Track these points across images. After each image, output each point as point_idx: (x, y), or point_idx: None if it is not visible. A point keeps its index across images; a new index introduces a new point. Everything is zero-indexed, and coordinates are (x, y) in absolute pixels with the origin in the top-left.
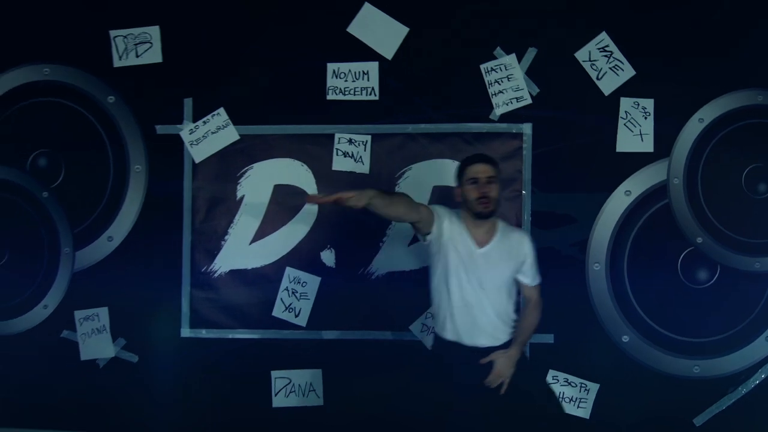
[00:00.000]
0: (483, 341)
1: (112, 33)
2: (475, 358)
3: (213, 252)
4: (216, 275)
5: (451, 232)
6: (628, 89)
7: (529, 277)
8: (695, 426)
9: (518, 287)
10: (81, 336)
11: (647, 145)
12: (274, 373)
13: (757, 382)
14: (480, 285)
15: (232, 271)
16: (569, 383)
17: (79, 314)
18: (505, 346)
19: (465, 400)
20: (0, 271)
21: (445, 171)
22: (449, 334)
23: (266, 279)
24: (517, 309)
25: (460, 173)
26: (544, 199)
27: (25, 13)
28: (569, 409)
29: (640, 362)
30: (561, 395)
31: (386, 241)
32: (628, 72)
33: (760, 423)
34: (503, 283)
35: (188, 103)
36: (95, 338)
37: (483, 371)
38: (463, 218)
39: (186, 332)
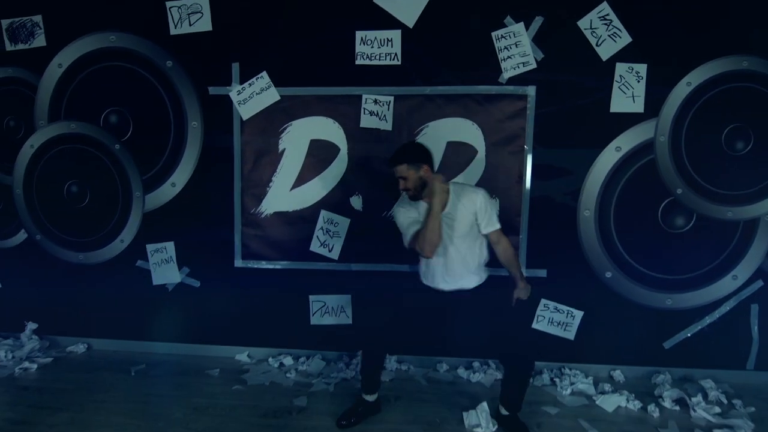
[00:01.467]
0: (451, 286)
1: (168, 4)
2: (444, 299)
3: (259, 196)
4: (262, 216)
5: (419, 215)
6: (624, 55)
7: (484, 224)
8: (664, 349)
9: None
10: (152, 265)
11: (638, 107)
12: (312, 297)
13: (721, 314)
14: (452, 240)
15: (276, 213)
16: (558, 310)
17: (150, 247)
18: (474, 290)
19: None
20: (84, 210)
21: (458, 128)
22: (425, 281)
23: (304, 219)
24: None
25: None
26: (544, 153)
27: None
28: (557, 331)
29: (619, 294)
30: (550, 320)
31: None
32: (625, 39)
33: (719, 348)
34: (465, 234)
35: (236, 67)
36: (164, 267)
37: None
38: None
39: (238, 263)
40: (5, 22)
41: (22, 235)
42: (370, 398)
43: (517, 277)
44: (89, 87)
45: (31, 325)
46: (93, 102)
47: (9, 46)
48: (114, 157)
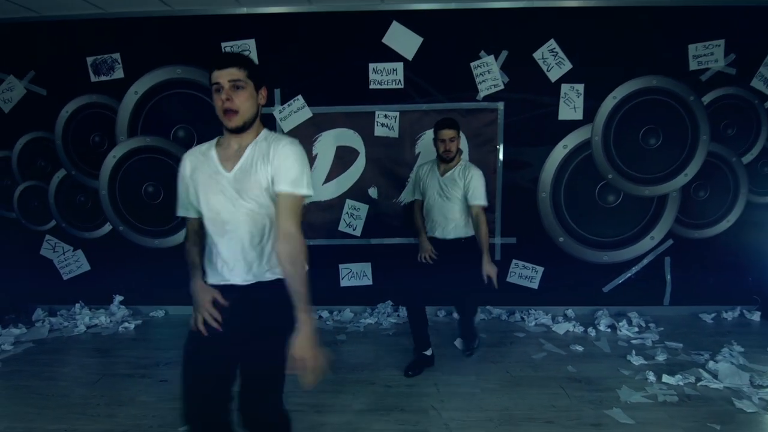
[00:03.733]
0: (450, 235)
1: (223, 44)
2: (445, 246)
3: None
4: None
5: (421, 181)
6: (567, 77)
7: (470, 197)
8: (603, 292)
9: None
10: None
11: (579, 115)
12: (341, 266)
13: (643, 265)
14: (447, 197)
15: (311, 202)
16: (525, 267)
17: None
18: (466, 239)
19: (444, 276)
20: (158, 206)
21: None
22: (429, 233)
23: (334, 206)
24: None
25: (435, 133)
26: (512, 151)
27: (165, 31)
28: (525, 283)
29: (570, 254)
30: (520, 275)
31: (408, 182)
32: (567, 66)
33: (643, 290)
34: (459, 198)
35: (277, 92)
36: None
37: (451, 258)
38: (436, 162)
39: None
40: (90, 59)
41: (107, 228)
42: (427, 352)
43: (484, 253)
44: (161, 109)
45: (118, 297)
46: (164, 121)
47: (93, 78)
48: None
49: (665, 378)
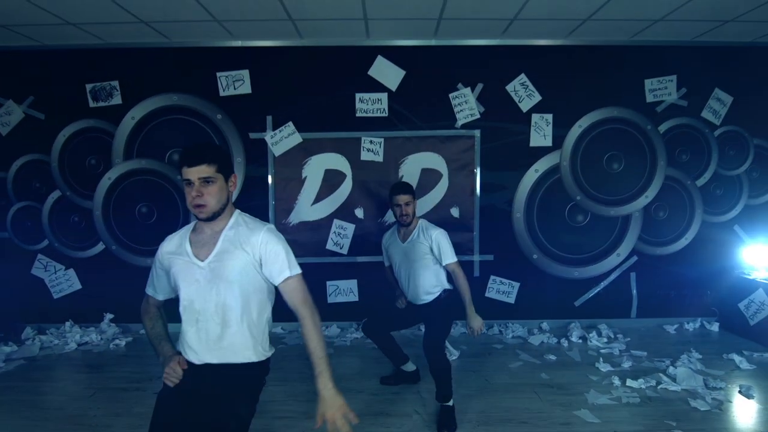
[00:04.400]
0: (423, 301)
1: (218, 74)
2: (421, 307)
3: (288, 210)
4: (291, 225)
5: (386, 249)
6: (537, 108)
7: (443, 257)
8: (575, 306)
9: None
10: None
11: (548, 142)
12: (328, 282)
13: (611, 280)
14: (412, 261)
15: (300, 222)
16: (502, 283)
17: None
18: (437, 300)
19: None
20: (151, 226)
21: (428, 159)
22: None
23: (322, 226)
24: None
25: (390, 198)
26: (488, 175)
27: (162, 61)
28: (502, 297)
29: (543, 270)
30: (497, 290)
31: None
32: (537, 97)
33: (611, 304)
34: (424, 259)
35: (269, 118)
36: None
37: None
38: (395, 228)
39: None
40: (89, 86)
41: (100, 247)
42: (406, 368)
43: (467, 307)
44: (156, 133)
45: (109, 315)
46: (159, 144)
47: (92, 104)
48: (176, 185)
49: (629, 382)
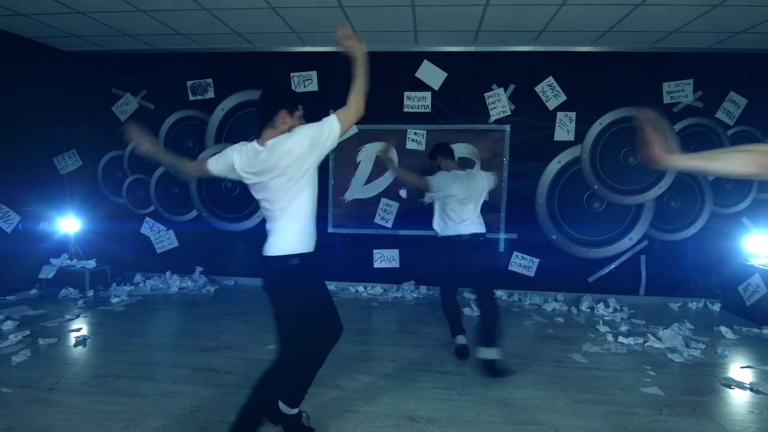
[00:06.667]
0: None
1: (292, 74)
2: (464, 241)
3: (344, 189)
4: (346, 201)
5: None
6: (562, 107)
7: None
8: (588, 282)
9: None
10: None
11: (571, 137)
12: (375, 251)
13: (622, 261)
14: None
15: (354, 199)
16: (524, 258)
17: None
18: (483, 234)
19: (462, 263)
20: (234, 198)
21: (464, 149)
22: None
23: (371, 203)
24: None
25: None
26: (515, 164)
27: (247, 63)
28: (523, 271)
29: (562, 249)
30: (520, 264)
31: None
32: (563, 97)
33: (622, 282)
34: (477, 200)
35: (331, 111)
36: None
37: (468, 250)
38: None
39: (330, 229)
40: (189, 83)
41: (193, 213)
42: (458, 340)
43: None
44: (242, 122)
45: (199, 268)
46: (244, 131)
47: (191, 97)
48: None
49: (620, 339)
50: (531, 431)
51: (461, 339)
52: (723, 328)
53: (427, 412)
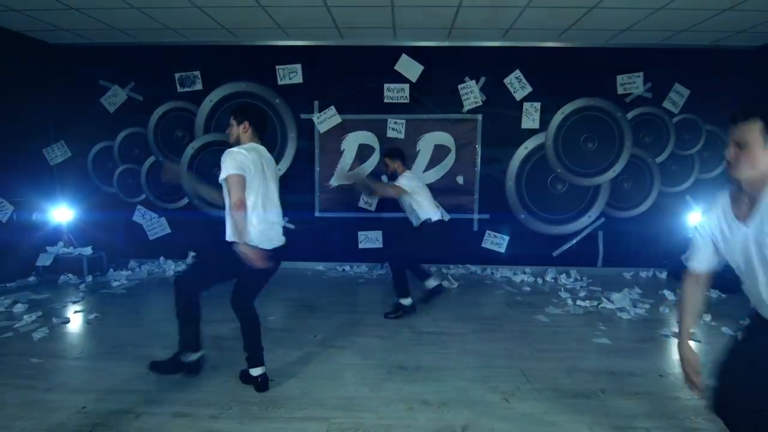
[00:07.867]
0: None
1: (277, 67)
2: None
3: (329, 176)
4: (331, 187)
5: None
6: (528, 97)
7: None
8: (553, 256)
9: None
10: None
11: (536, 125)
12: (359, 233)
13: (582, 236)
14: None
15: (339, 186)
16: (495, 236)
17: None
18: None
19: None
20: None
21: (440, 137)
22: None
23: (355, 189)
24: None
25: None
26: (487, 150)
27: (234, 56)
28: (495, 248)
29: (529, 228)
30: (491, 242)
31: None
32: (529, 89)
33: (582, 255)
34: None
35: (316, 103)
36: None
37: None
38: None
39: (317, 213)
40: (177, 75)
41: (185, 201)
42: (405, 302)
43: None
44: (229, 113)
45: (191, 253)
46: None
47: (179, 89)
48: None
49: (578, 302)
50: (501, 372)
51: (431, 282)
52: (667, 292)
53: (414, 363)
